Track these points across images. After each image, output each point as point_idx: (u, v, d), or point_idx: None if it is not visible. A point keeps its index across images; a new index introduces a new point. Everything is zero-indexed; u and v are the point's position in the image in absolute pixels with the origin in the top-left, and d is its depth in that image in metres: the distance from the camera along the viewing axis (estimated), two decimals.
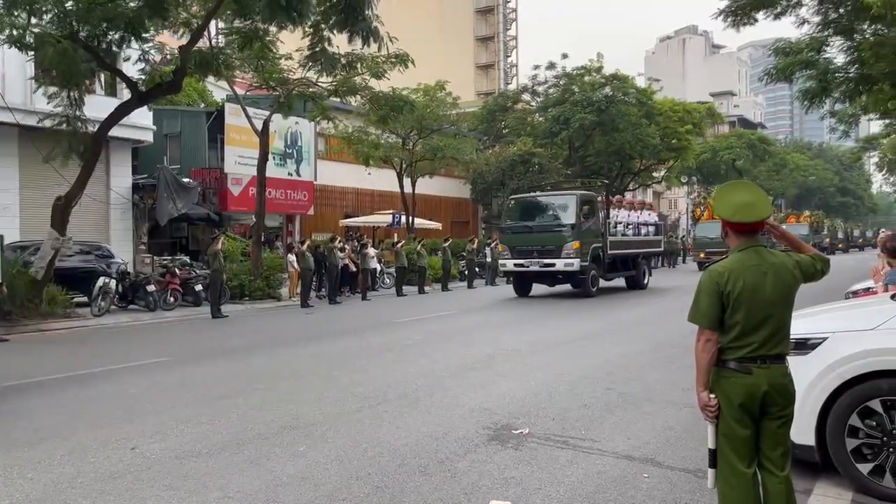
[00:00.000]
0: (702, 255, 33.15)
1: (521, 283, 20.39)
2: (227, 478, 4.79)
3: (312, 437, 5.73)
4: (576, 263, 18.76)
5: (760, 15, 17.40)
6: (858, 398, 4.29)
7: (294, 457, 5.23)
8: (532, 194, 22.69)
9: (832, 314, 5.19)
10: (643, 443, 5.48)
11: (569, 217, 19.33)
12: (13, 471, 5.02)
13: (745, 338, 3.13)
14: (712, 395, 3.18)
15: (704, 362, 3.19)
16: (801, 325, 4.53)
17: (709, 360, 3.18)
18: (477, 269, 26.63)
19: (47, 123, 15.65)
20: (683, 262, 43.72)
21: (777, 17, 17.33)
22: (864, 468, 4.24)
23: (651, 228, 24.80)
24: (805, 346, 4.48)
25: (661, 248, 26.44)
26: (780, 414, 3.17)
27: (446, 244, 25.30)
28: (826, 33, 16.78)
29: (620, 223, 22.54)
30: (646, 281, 22.96)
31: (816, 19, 16.90)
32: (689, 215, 56.99)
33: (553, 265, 18.95)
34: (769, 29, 21.26)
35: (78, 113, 15.47)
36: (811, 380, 4.36)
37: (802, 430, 4.35)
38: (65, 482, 4.77)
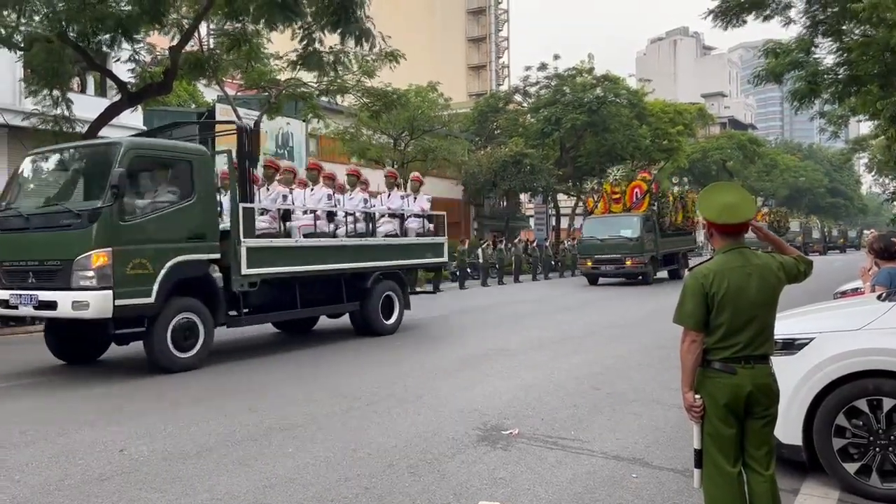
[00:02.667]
0: (589, 264, 25.27)
1: None
2: (216, 479, 4.77)
3: (301, 439, 5.72)
4: (91, 304, 7.97)
5: (750, 17, 17.52)
6: (845, 398, 4.31)
7: (283, 458, 5.22)
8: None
9: (819, 314, 5.22)
10: (632, 443, 5.50)
11: (89, 193, 8.79)
12: (0, 473, 4.99)
13: (730, 339, 3.15)
14: (697, 396, 3.20)
15: (689, 363, 3.21)
16: (788, 325, 4.56)
17: (694, 361, 3.20)
18: (469, 270, 26.63)
19: (33, 122, 15.56)
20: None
21: (766, 19, 17.43)
22: (851, 468, 4.27)
23: (415, 223, 13.07)
24: (792, 346, 4.51)
25: (439, 259, 13.68)
26: (765, 413, 3.19)
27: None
28: (814, 34, 16.89)
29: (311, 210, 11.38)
30: (393, 322, 12.50)
31: (804, 20, 17.02)
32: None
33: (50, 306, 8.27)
34: (760, 31, 21.45)
35: (66, 113, 15.39)
36: (798, 380, 4.38)
37: (789, 430, 4.38)
38: (52, 484, 4.74)
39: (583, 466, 4.96)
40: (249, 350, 10.93)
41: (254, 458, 5.24)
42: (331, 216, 11.61)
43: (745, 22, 17.51)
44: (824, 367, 4.37)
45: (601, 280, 25.89)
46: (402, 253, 12.69)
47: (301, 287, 10.89)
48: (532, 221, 49.02)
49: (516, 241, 31.50)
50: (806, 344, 4.51)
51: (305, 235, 11.08)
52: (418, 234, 13.12)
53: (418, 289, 22.54)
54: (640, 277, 24.97)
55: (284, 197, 11.08)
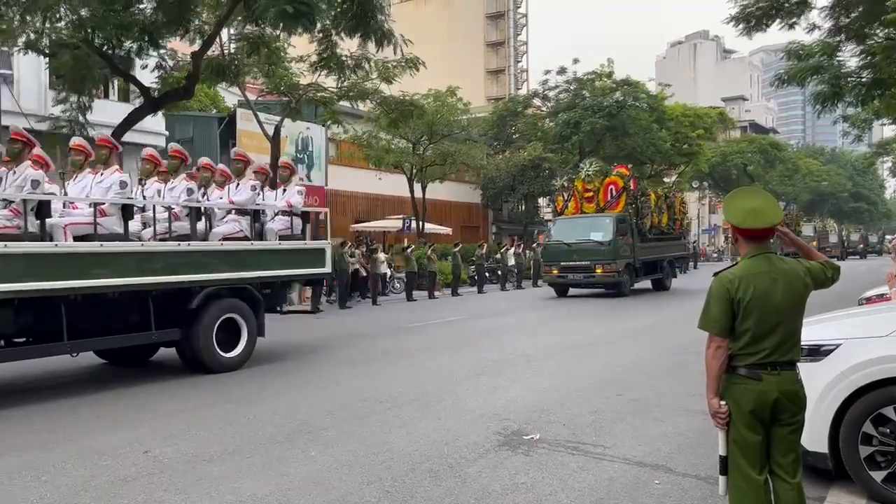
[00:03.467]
0: (555, 272, 21.67)
1: None
2: (239, 482, 4.82)
3: (323, 442, 5.75)
4: None
5: (774, 25, 17.36)
6: (872, 405, 4.26)
7: (305, 461, 5.26)
8: None
9: (845, 321, 5.17)
10: (654, 449, 5.47)
11: None
12: (28, 473, 5.07)
13: (756, 344, 3.13)
14: (723, 402, 3.18)
15: (714, 369, 3.19)
16: (813, 331, 4.52)
17: (719, 367, 3.18)
18: (487, 275, 26.62)
19: (46, 127, 15.77)
20: (695, 267, 40.50)
21: (791, 26, 17.28)
22: (878, 476, 4.22)
23: (280, 224, 10.48)
24: (818, 352, 4.46)
25: (315, 270, 10.82)
26: (791, 420, 3.16)
27: (456, 249, 25.33)
28: (838, 39, 16.72)
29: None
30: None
31: (828, 24, 16.85)
32: (699, 220, 56.38)
33: None
34: (781, 34, 20.81)
35: (81, 118, 15.57)
36: (824, 387, 4.34)
37: (815, 438, 4.33)
38: (79, 485, 4.81)
39: (605, 472, 4.94)
40: (270, 354, 11.00)
41: (277, 460, 5.28)
42: (198, 214, 9.36)
43: (767, 26, 17.36)
44: (851, 374, 4.32)
45: (572, 291, 22.33)
46: (253, 262, 9.74)
47: (71, 311, 7.84)
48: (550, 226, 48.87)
49: (535, 245, 31.37)
50: (832, 350, 4.47)
51: (80, 238, 8.04)
52: (283, 237, 10.37)
53: (437, 294, 22.89)
54: (613, 288, 20.98)
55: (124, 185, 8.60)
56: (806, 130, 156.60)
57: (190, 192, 9.28)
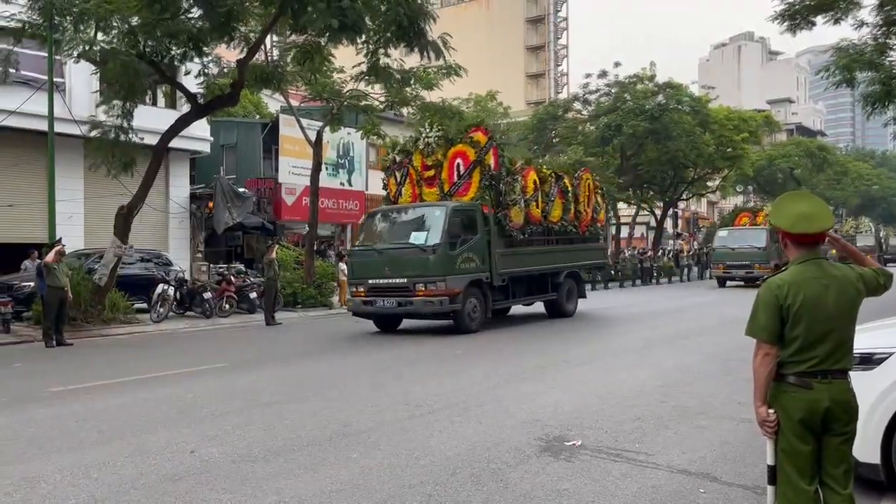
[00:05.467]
0: (362, 294, 14.14)
1: None
2: (283, 483, 4.88)
3: (364, 445, 5.80)
4: None
5: (819, 19, 16.96)
6: None
7: (347, 463, 5.30)
8: None
9: None
10: (699, 457, 5.38)
11: None
12: (79, 471, 5.21)
13: (806, 352, 3.06)
14: (771, 410, 3.12)
15: (763, 377, 3.13)
16: (866, 339, 4.40)
17: (767, 375, 3.12)
18: None
19: (93, 132, 16.17)
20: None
21: (836, 21, 16.86)
22: None
23: None
24: (870, 361, 4.36)
25: None
26: (843, 430, 3.09)
27: None
28: (890, 36, 16.27)
29: None
30: None
31: (878, 20, 16.39)
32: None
33: None
34: (829, 35, 20.32)
35: (125, 124, 15.92)
36: (876, 396, 4.23)
37: (867, 448, 4.22)
38: (128, 483, 4.93)
39: (648, 480, 4.88)
40: (311, 358, 11.13)
41: (319, 462, 5.34)
42: None
43: (813, 24, 16.97)
44: None
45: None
46: None
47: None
48: None
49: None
50: (885, 359, 4.36)
51: None
52: None
53: None
54: (451, 319, 13.70)
55: None
56: (855, 133, 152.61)
57: None
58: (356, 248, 15.22)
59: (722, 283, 28.95)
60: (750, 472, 4.96)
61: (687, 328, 14.27)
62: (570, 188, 16.51)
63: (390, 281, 13.52)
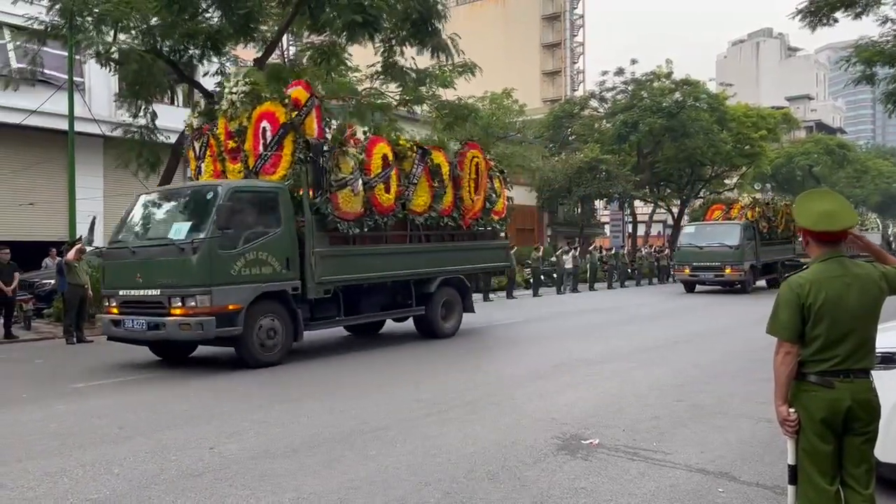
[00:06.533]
0: (114, 310, 10.16)
1: None
2: (301, 479, 4.91)
3: (382, 442, 5.82)
4: None
5: (839, 14, 16.78)
6: None
7: (365, 460, 5.33)
8: None
9: None
10: (717, 456, 5.35)
11: None
12: (100, 467, 5.27)
13: (828, 351, 3.04)
14: (792, 410, 3.10)
15: (783, 376, 3.11)
16: (888, 338, 4.36)
17: (788, 374, 3.10)
18: (542, 278, 26.46)
19: (118, 133, 16.40)
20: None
21: (857, 16, 16.68)
22: None
23: None
24: (892, 360, 4.30)
25: None
26: (865, 430, 3.07)
27: (511, 252, 25.22)
28: None
29: None
30: None
31: None
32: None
33: None
34: (848, 31, 19.92)
35: (150, 124, 16.13)
36: None
37: (889, 448, 4.17)
38: (149, 479, 4.98)
39: (666, 479, 4.86)
40: (327, 353, 11.17)
41: (337, 459, 5.36)
42: None
43: (835, 20, 16.81)
44: None
45: None
46: None
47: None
48: (608, 228, 48.32)
49: (591, 248, 31.01)
50: None
51: None
52: None
53: (491, 297, 22.75)
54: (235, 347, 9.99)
55: None
56: (876, 130, 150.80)
57: None
58: (109, 245, 10.94)
59: (689, 287, 24.57)
60: (769, 472, 4.93)
61: (702, 328, 14.20)
62: (443, 168, 12.45)
63: (142, 293, 9.70)
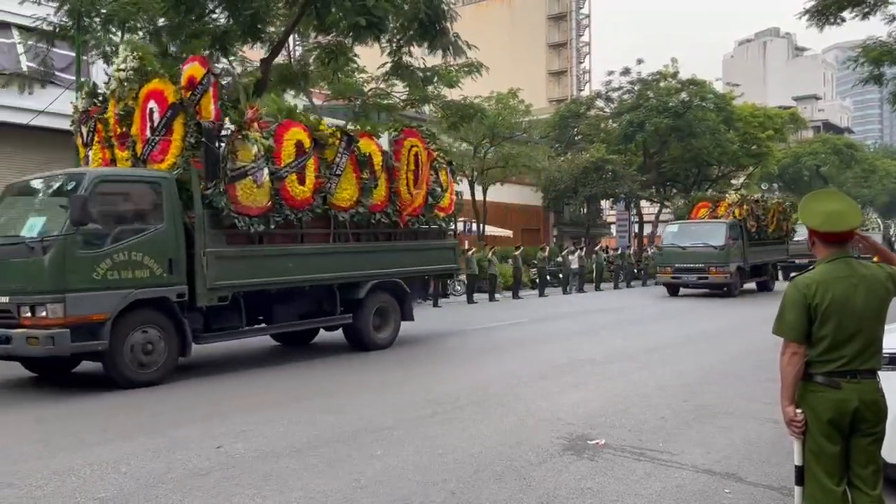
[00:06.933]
0: None
1: None
2: (308, 479, 4.93)
3: (388, 441, 5.83)
4: None
5: (847, 14, 16.72)
6: None
7: (371, 460, 5.34)
8: None
9: None
10: (723, 457, 5.35)
11: None
12: (108, 465, 5.29)
13: (835, 351, 3.04)
14: (798, 410, 3.10)
15: (790, 376, 3.11)
16: (895, 339, 4.34)
17: (794, 374, 3.10)
18: (548, 277, 26.45)
19: None
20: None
21: (865, 16, 16.61)
22: None
23: None
24: None
25: None
26: (872, 431, 3.06)
27: (517, 252, 25.24)
28: None
29: None
30: None
31: None
32: None
33: None
34: (856, 30, 19.82)
35: None
36: None
37: None
38: (156, 477, 5.00)
39: (672, 479, 4.86)
40: (332, 355, 11.19)
41: (343, 459, 5.38)
42: None
43: (843, 20, 16.74)
44: None
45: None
46: None
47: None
48: (614, 228, 48.24)
49: (597, 248, 30.95)
50: None
51: None
52: None
53: (497, 296, 22.72)
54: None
55: None
56: (884, 130, 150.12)
57: None
58: None
59: (673, 290, 23.13)
60: (776, 473, 4.92)
61: (708, 328, 14.17)
62: (375, 158, 11.02)
63: None
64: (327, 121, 11.51)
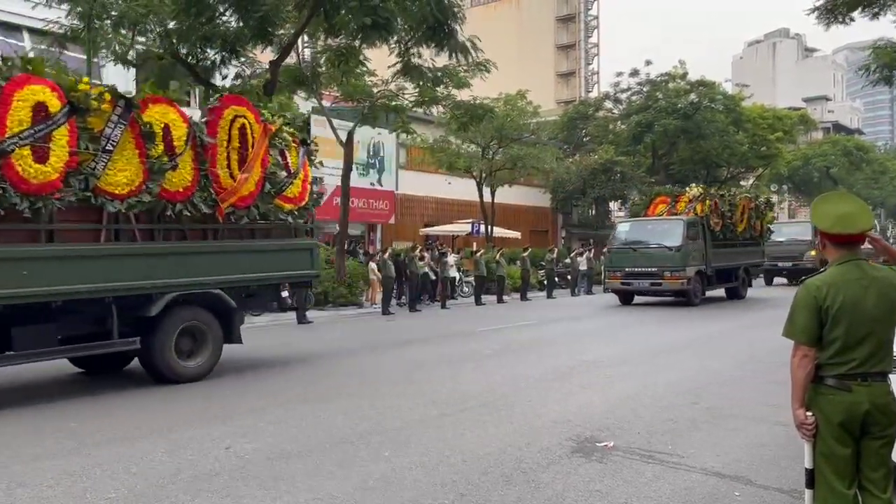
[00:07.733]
0: None
1: None
2: (316, 480, 4.94)
3: (396, 443, 5.84)
4: None
5: (857, 14, 16.63)
6: None
7: (379, 461, 5.34)
8: None
9: None
10: (733, 460, 5.33)
11: None
12: (118, 465, 5.32)
13: (846, 354, 3.03)
14: (809, 413, 3.09)
15: (801, 379, 3.10)
16: None
17: (805, 377, 3.09)
18: (556, 279, 26.42)
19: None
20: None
21: (875, 16, 16.53)
22: None
23: None
24: None
25: None
26: (882, 434, 3.05)
27: (525, 253, 25.23)
28: None
29: None
30: None
31: None
32: None
33: None
34: (866, 31, 19.72)
35: None
36: None
37: None
38: (166, 478, 5.02)
39: (682, 482, 4.84)
40: (342, 356, 11.21)
41: (351, 460, 5.39)
42: None
43: (852, 20, 16.66)
44: None
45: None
46: None
47: None
48: None
49: (605, 249, 30.89)
50: None
51: None
52: None
53: (505, 298, 22.73)
54: None
55: None
56: (894, 131, 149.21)
57: None
58: None
59: (625, 298, 20.23)
60: (786, 476, 4.90)
61: (717, 330, 14.12)
62: (175, 131, 8.42)
63: None
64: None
